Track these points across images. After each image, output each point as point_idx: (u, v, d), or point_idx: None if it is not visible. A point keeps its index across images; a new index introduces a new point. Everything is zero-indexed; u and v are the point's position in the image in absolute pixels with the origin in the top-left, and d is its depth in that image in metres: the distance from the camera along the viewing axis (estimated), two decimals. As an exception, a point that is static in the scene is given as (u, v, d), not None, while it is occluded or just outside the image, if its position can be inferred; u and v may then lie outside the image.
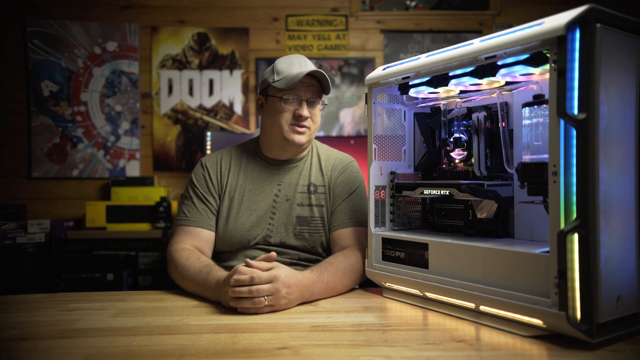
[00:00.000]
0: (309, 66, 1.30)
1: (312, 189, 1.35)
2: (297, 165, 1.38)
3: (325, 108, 1.38)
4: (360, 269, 1.19)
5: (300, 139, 1.30)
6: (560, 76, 0.76)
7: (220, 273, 1.08)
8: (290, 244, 1.30)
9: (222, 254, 1.33)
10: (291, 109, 1.29)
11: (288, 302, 1.00)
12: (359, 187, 1.38)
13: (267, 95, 1.34)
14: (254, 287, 0.95)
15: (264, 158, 1.39)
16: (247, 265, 1.00)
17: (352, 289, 1.21)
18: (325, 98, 1.37)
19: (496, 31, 1.23)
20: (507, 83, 1.01)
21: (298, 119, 1.29)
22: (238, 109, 3.24)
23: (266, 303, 0.96)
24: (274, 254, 1.04)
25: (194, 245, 1.26)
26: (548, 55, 0.79)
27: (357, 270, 1.18)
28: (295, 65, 1.30)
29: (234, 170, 1.37)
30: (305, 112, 1.28)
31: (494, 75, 0.95)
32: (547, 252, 0.79)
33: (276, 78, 1.30)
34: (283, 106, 1.29)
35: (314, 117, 1.32)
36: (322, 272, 1.10)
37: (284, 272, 1.00)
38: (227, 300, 1.00)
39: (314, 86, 1.31)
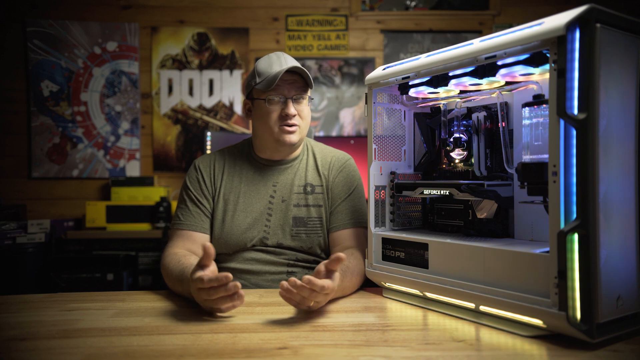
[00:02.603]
0: (289, 63, 1.28)
1: (309, 189, 1.34)
2: (292, 165, 1.37)
3: (317, 102, 1.37)
4: (363, 270, 1.19)
5: (291, 138, 1.29)
6: (560, 76, 0.76)
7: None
8: (287, 245, 1.30)
9: (219, 256, 1.32)
10: (277, 109, 1.28)
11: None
12: (358, 186, 1.37)
13: (252, 98, 1.33)
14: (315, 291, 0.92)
15: (257, 159, 1.38)
16: (294, 285, 0.92)
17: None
18: (311, 93, 1.35)
19: (496, 31, 1.23)
20: (507, 83, 1.01)
21: (285, 118, 1.27)
22: (238, 109, 3.24)
23: (312, 304, 0.95)
24: (210, 247, 0.95)
25: (188, 249, 1.25)
26: (548, 55, 0.79)
27: (363, 273, 1.19)
28: (275, 64, 1.28)
29: (228, 171, 1.36)
30: (291, 109, 1.27)
31: (494, 75, 0.95)
32: (547, 252, 0.79)
33: (258, 80, 1.28)
34: (268, 107, 1.28)
35: (302, 113, 1.30)
36: (343, 278, 1.07)
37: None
38: (204, 307, 0.97)
39: (297, 82, 1.29)
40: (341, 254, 0.93)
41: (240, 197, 1.33)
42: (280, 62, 1.28)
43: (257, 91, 1.30)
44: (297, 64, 1.28)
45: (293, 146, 1.32)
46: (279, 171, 1.36)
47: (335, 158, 1.40)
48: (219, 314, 0.98)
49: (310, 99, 1.34)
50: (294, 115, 1.28)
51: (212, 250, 0.94)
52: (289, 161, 1.38)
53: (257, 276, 1.28)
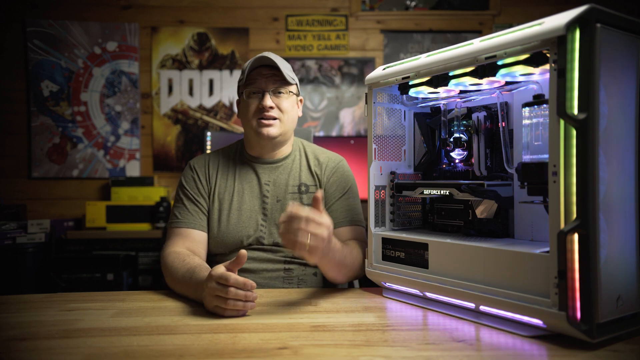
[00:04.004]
0: (270, 57, 1.29)
1: (303, 189, 1.35)
2: (283, 164, 1.38)
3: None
4: (361, 262, 1.21)
5: (269, 131, 1.29)
6: (560, 76, 0.76)
7: (202, 274, 1.06)
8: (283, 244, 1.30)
9: (216, 256, 1.32)
10: (255, 102, 1.30)
11: (323, 248, 1.00)
12: (352, 186, 1.38)
13: (240, 95, 1.37)
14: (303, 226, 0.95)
15: (248, 157, 1.39)
16: (291, 213, 0.96)
17: (351, 288, 1.21)
18: (294, 88, 1.35)
19: (496, 31, 1.23)
20: (507, 83, 1.01)
21: (262, 110, 1.29)
22: (238, 109, 3.24)
23: (309, 242, 0.96)
24: (243, 251, 0.97)
25: (187, 247, 1.26)
26: (548, 55, 0.79)
27: (360, 262, 1.21)
28: (256, 60, 1.30)
29: (222, 171, 1.37)
30: (267, 101, 1.28)
31: (494, 75, 0.95)
32: (547, 252, 0.79)
33: (241, 77, 1.33)
34: (247, 100, 1.31)
35: (281, 106, 1.31)
36: (344, 246, 1.15)
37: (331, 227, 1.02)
38: (208, 304, 0.98)
39: (277, 76, 1.30)
40: (318, 193, 1.00)
41: (234, 196, 1.33)
42: (261, 58, 1.30)
43: (241, 87, 1.34)
44: (279, 60, 1.29)
45: (272, 139, 1.32)
46: (270, 169, 1.37)
47: (329, 159, 1.40)
48: (219, 315, 0.98)
49: (292, 93, 1.34)
50: (271, 108, 1.29)
51: (244, 260, 0.97)
52: (279, 159, 1.38)
53: (254, 274, 1.28)
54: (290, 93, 1.33)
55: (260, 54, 1.30)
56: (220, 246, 1.30)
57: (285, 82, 1.31)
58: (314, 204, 1.01)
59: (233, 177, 1.36)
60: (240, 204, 1.32)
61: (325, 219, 0.99)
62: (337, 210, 1.33)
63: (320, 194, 1.01)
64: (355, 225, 1.32)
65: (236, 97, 1.42)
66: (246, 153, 1.40)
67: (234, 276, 0.94)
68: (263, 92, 1.29)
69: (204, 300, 0.99)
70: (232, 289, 0.93)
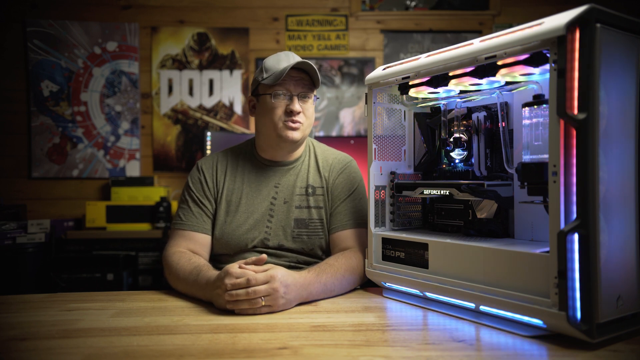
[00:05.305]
0: (297, 60, 1.28)
1: (310, 190, 1.34)
2: (294, 166, 1.37)
3: (317, 102, 1.36)
4: (361, 271, 1.19)
5: (293, 135, 1.28)
6: (560, 76, 0.76)
7: (209, 273, 1.08)
8: (289, 247, 1.30)
9: (220, 257, 1.32)
10: (282, 105, 1.28)
11: (286, 302, 1.00)
12: (358, 187, 1.36)
13: (258, 94, 1.33)
14: (251, 289, 0.96)
15: (260, 159, 1.37)
16: (242, 267, 1.00)
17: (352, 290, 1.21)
18: (316, 92, 1.34)
19: (496, 31, 1.23)
20: (507, 83, 1.01)
21: (290, 114, 1.27)
22: (238, 109, 3.24)
23: (263, 304, 0.97)
24: (264, 255, 1.04)
25: (189, 249, 1.26)
26: (548, 55, 0.79)
27: (357, 273, 1.18)
28: (283, 60, 1.28)
29: (231, 172, 1.36)
30: (296, 106, 1.26)
31: (494, 75, 0.95)
32: (547, 252, 0.79)
33: (265, 75, 1.29)
34: (274, 102, 1.28)
35: (306, 111, 1.30)
36: (320, 272, 1.10)
37: (280, 272, 1.00)
38: (219, 302, 1.00)
39: (304, 80, 1.29)
40: (263, 255, 1.04)
41: (242, 198, 1.32)
42: (289, 59, 1.28)
43: (263, 86, 1.30)
44: (306, 62, 1.28)
45: (295, 144, 1.31)
46: (281, 172, 1.36)
47: (337, 160, 1.39)
48: (223, 310, 1.00)
49: (316, 97, 1.34)
50: (299, 113, 1.27)
51: (262, 263, 1.04)
52: (291, 162, 1.37)
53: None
54: (314, 97, 1.33)
55: (288, 56, 1.28)
56: (225, 247, 1.30)
57: (313, 87, 1.31)
58: (255, 261, 1.03)
59: (242, 179, 1.35)
60: (247, 206, 1.32)
61: (267, 273, 0.99)
62: (341, 212, 1.31)
63: (264, 257, 1.04)
64: (360, 228, 1.30)
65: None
66: (257, 154, 1.38)
67: (252, 274, 0.98)
68: (291, 95, 1.27)
69: (215, 298, 1.01)
70: (251, 287, 0.97)
